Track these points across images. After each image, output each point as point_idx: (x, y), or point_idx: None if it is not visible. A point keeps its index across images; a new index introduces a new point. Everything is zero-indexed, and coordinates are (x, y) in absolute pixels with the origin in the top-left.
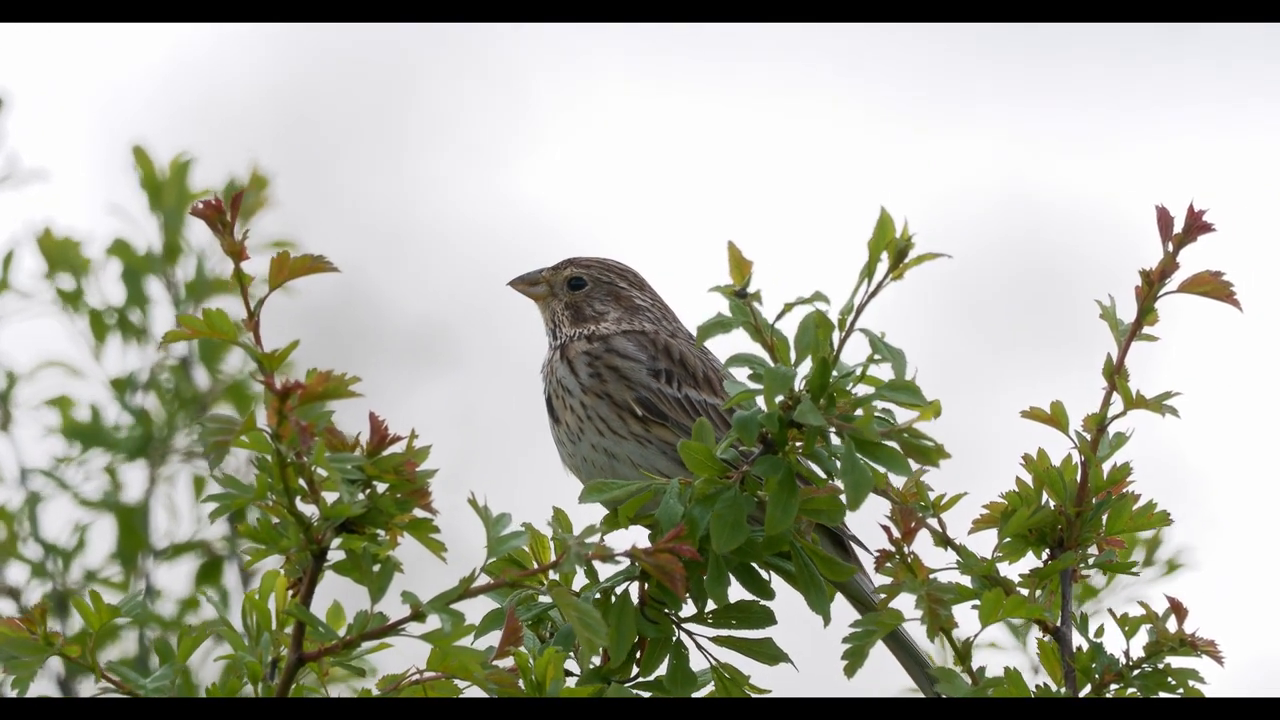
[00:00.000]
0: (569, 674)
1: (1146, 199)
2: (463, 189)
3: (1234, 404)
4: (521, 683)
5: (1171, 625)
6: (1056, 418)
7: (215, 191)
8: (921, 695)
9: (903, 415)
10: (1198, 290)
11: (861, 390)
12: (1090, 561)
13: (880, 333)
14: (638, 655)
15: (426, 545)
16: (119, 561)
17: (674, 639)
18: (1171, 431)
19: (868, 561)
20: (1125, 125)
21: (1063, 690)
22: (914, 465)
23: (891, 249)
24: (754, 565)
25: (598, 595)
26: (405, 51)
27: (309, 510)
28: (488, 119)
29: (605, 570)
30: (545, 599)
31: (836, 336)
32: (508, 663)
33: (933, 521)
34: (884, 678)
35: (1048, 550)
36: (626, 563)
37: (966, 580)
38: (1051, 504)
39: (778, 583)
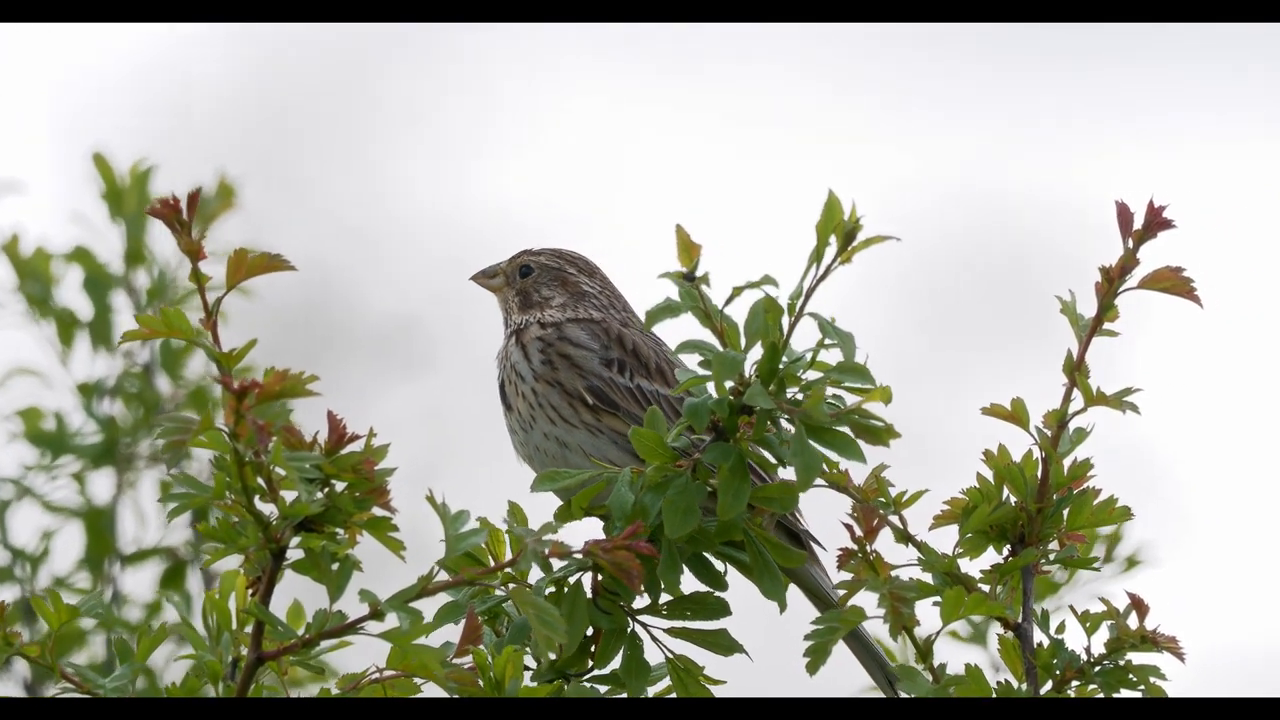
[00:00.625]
0: (526, 669)
1: (1112, 194)
2: (431, 187)
3: (1202, 398)
4: (480, 680)
5: (1133, 622)
6: (1017, 414)
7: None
8: (881, 694)
9: (853, 400)
10: (1158, 286)
11: (812, 375)
12: (1051, 557)
13: (830, 317)
14: (592, 649)
15: (385, 544)
16: (87, 567)
17: (628, 630)
18: (1138, 427)
19: (825, 559)
20: (1091, 120)
21: (1024, 687)
22: (865, 447)
23: (839, 232)
24: (707, 556)
25: (550, 589)
26: (371, 50)
27: (268, 509)
28: (455, 117)
29: (558, 561)
30: (500, 593)
31: (786, 321)
32: (467, 661)
33: (894, 518)
34: (841, 675)
35: (1009, 546)
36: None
37: (928, 577)
38: (1012, 500)
39: (733, 575)
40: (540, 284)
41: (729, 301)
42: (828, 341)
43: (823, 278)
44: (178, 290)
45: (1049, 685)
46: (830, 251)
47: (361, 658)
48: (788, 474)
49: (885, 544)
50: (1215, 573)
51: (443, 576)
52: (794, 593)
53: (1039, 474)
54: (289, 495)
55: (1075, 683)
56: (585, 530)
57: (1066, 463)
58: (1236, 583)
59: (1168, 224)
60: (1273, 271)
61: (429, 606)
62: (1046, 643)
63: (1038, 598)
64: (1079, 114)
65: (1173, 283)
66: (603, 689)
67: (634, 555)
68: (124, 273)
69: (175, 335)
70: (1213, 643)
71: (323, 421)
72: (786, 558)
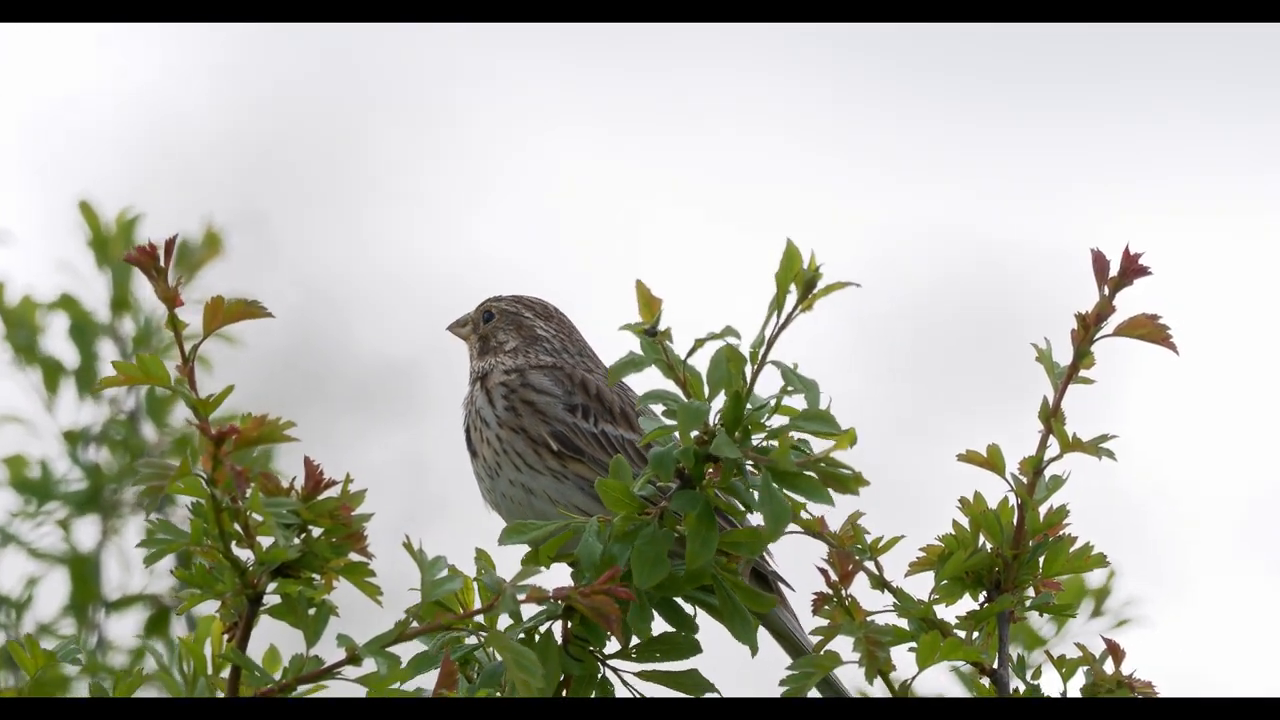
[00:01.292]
0: None
1: (1090, 240)
2: (415, 234)
3: (1179, 445)
4: None
5: (1109, 667)
6: (993, 461)
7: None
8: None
9: (819, 446)
10: (1134, 334)
11: (776, 422)
12: (1028, 604)
13: (793, 364)
14: (564, 694)
15: (362, 589)
16: (71, 614)
17: (599, 675)
18: (1116, 474)
19: (795, 601)
20: (1068, 166)
21: None
22: (842, 499)
23: (799, 280)
24: (677, 600)
25: (522, 635)
26: (357, 96)
27: (244, 554)
28: (439, 166)
29: (528, 609)
30: (472, 640)
31: (749, 370)
32: None
33: (870, 564)
34: None
35: (985, 592)
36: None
37: (904, 623)
38: (988, 546)
39: (702, 617)
40: (498, 329)
41: (691, 353)
42: (789, 389)
43: (784, 326)
44: (163, 338)
45: None
46: (791, 300)
47: None
48: (756, 519)
49: (861, 589)
50: (1192, 619)
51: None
52: (764, 637)
53: (1015, 520)
54: (265, 541)
55: None
56: (553, 579)
57: (1043, 509)
58: (1213, 629)
59: (1144, 271)
60: (1249, 318)
61: (405, 653)
62: (1023, 689)
63: (1026, 649)
64: (1055, 160)
65: (1149, 330)
66: None
67: (612, 600)
68: (110, 320)
69: (152, 382)
70: (1188, 689)
71: (301, 468)
72: (757, 602)
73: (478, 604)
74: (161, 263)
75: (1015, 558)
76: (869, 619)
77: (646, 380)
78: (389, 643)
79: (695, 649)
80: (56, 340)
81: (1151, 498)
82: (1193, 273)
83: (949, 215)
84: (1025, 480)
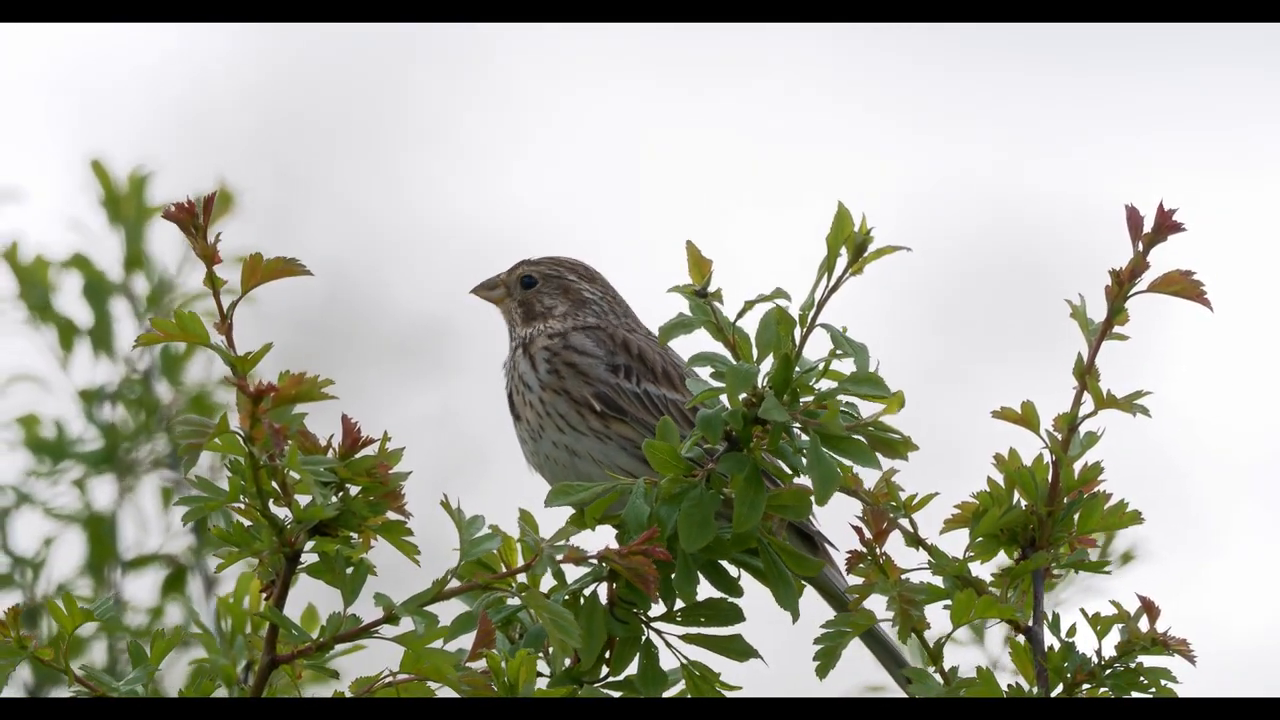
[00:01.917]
0: (540, 675)
1: (1124, 197)
2: (452, 189)
3: (1214, 401)
4: (494, 684)
5: (1144, 624)
6: (1027, 417)
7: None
8: (890, 694)
9: (866, 409)
10: (1168, 290)
11: (825, 385)
12: (1062, 561)
13: (843, 328)
14: (607, 655)
15: (399, 548)
16: (88, 573)
17: (643, 638)
18: (1150, 430)
19: (840, 559)
20: (1102, 122)
21: (1035, 690)
22: (881, 458)
23: (850, 243)
24: (722, 563)
25: (566, 597)
26: (394, 51)
27: (282, 513)
28: (478, 119)
29: (573, 571)
30: (514, 601)
31: (798, 333)
32: (480, 665)
33: (904, 522)
34: (855, 676)
35: (1019, 550)
36: (595, 563)
37: (938, 580)
38: (1023, 504)
39: (748, 579)
40: (543, 294)
41: (741, 315)
42: (838, 352)
43: (834, 289)
44: (176, 295)
45: (1060, 688)
46: (841, 263)
47: (375, 662)
48: (802, 482)
49: (895, 547)
50: (1228, 575)
51: (456, 582)
52: (810, 595)
53: (1049, 478)
54: (303, 499)
55: (1086, 686)
56: (598, 541)
57: (1077, 466)
58: (1249, 584)
59: (1178, 227)
60: None
61: (443, 612)
62: (1058, 646)
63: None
64: (1091, 117)
65: (1183, 286)
66: (617, 695)
67: (650, 561)
68: (123, 279)
69: (190, 339)
70: (1225, 645)
71: (338, 426)
72: (803, 566)
73: (520, 565)
74: (200, 220)
75: (1050, 515)
76: (903, 577)
77: (695, 342)
78: (426, 601)
79: (739, 616)
80: (70, 299)
81: (1186, 454)
82: (1227, 228)
83: (982, 169)
84: (1060, 437)
